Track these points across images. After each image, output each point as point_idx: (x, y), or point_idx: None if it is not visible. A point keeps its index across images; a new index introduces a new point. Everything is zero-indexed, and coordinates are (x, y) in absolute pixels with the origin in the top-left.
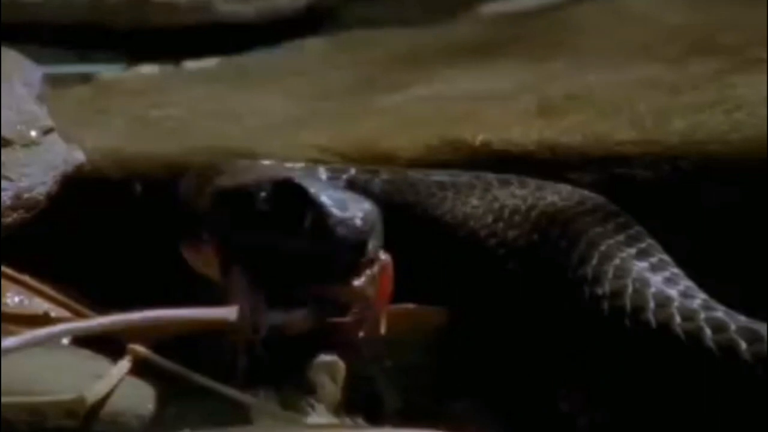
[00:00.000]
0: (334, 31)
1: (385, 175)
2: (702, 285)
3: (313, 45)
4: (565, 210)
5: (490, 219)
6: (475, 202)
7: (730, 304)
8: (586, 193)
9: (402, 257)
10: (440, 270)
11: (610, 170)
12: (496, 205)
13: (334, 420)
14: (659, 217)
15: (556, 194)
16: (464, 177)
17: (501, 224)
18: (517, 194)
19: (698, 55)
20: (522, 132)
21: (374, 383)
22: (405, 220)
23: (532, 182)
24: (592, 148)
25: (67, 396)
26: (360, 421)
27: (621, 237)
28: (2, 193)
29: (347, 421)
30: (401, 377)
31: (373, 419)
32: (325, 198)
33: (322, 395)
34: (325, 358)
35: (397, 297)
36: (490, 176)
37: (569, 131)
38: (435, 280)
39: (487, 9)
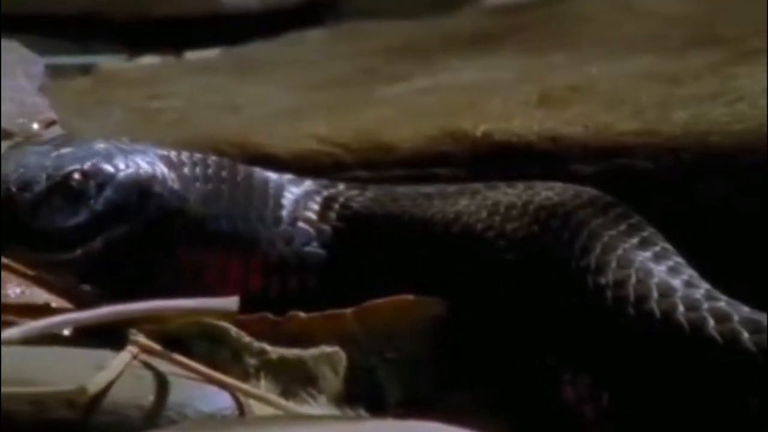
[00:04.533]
0: (335, 21)
1: (370, 193)
2: (703, 275)
3: (314, 36)
4: (564, 203)
5: (484, 214)
6: (465, 202)
7: (732, 295)
8: (578, 187)
9: (399, 259)
10: (439, 265)
11: (611, 161)
12: (489, 203)
13: (335, 411)
14: (661, 208)
15: (550, 190)
16: (451, 188)
17: (497, 218)
18: (509, 193)
19: (699, 46)
20: (523, 123)
21: (375, 374)
22: (393, 229)
23: (521, 183)
24: (593, 139)
25: (68, 387)
26: (362, 412)
27: (622, 227)
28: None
29: (349, 412)
30: (402, 368)
31: (375, 410)
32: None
33: (324, 386)
34: (326, 349)
35: (397, 292)
36: (477, 184)
37: (571, 122)
38: (434, 275)
39: (489, 0)
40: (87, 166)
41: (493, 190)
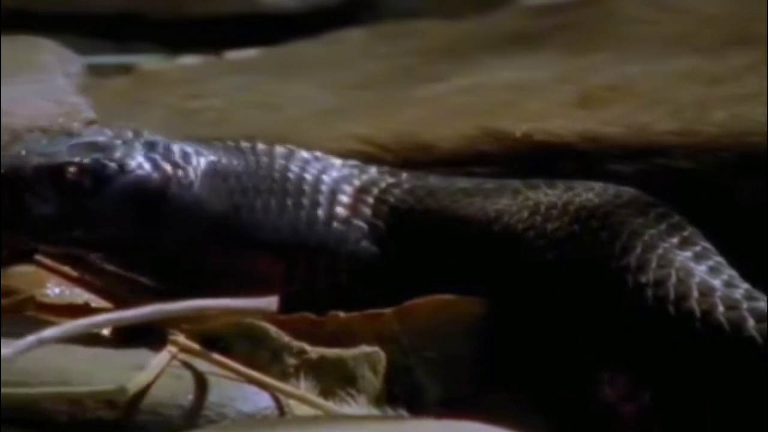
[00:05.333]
0: (374, 21)
1: (406, 185)
2: (743, 276)
3: (354, 36)
4: (604, 203)
5: (525, 214)
6: (506, 201)
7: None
8: (619, 187)
9: (438, 256)
10: (478, 264)
11: (651, 161)
12: (530, 203)
13: (375, 411)
14: (700, 208)
15: (590, 190)
16: (489, 183)
17: (538, 218)
18: (550, 193)
19: (739, 45)
20: (563, 123)
21: (415, 374)
22: (431, 225)
23: (561, 183)
24: (633, 139)
25: (107, 387)
26: (402, 411)
27: (663, 226)
28: None
29: (389, 412)
30: (442, 368)
31: (415, 410)
32: None
33: (363, 386)
34: (365, 348)
35: (435, 290)
36: (516, 182)
37: (610, 122)
38: (474, 273)
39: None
40: (87, 160)
41: (533, 189)
